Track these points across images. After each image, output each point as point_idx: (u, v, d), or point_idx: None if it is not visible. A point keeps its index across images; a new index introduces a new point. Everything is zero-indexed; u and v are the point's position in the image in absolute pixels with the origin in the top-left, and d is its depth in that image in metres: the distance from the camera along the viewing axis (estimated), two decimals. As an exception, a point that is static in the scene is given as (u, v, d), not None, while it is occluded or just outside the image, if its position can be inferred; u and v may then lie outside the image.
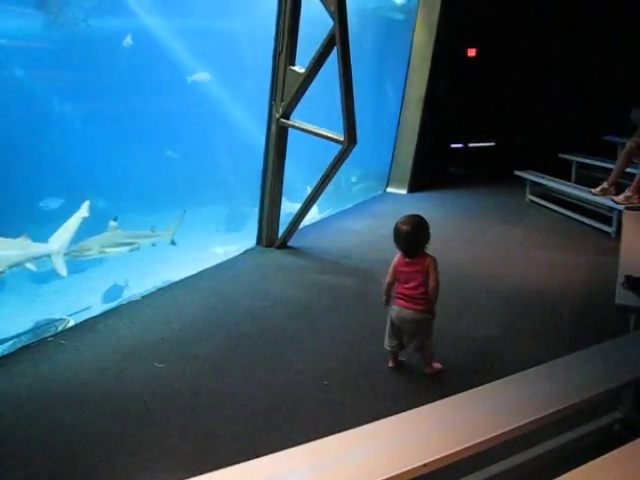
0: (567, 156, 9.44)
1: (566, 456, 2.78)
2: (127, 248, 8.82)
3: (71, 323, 4.95)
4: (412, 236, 3.68)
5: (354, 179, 11.31)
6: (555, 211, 8.20)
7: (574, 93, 10.76)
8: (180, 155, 13.84)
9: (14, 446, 3.05)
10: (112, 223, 8.62)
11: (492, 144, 11.88)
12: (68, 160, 12.62)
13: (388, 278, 3.81)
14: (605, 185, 7.34)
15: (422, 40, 9.14)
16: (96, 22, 12.61)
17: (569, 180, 8.97)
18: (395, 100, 9.69)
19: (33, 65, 12.11)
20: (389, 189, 9.74)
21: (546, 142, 10.31)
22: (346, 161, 5.88)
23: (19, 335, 6.70)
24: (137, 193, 13.21)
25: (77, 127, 12.98)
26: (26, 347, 4.15)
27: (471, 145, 11.81)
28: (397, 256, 3.77)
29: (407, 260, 3.72)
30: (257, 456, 2.22)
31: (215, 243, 9.73)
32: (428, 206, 8.74)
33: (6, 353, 4.07)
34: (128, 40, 12.62)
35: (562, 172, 8.93)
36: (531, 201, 8.83)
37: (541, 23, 10.33)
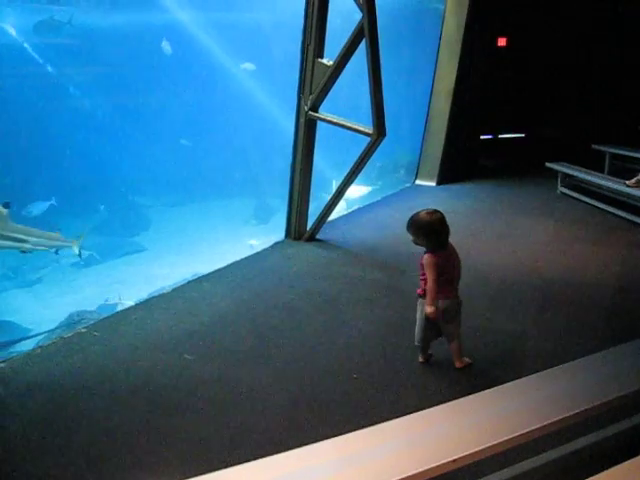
0: (600, 147, 9.23)
1: (599, 455, 2.74)
2: (13, 244, 7.60)
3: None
4: (447, 225, 3.60)
5: (402, 171, 11.35)
6: (587, 203, 8.04)
7: (608, 83, 10.51)
8: (208, 148, 13.95)
9: (51, 433, 3.14)
10: (0, 209, 7.37)
11: (522, 135, 11.69)
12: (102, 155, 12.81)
13: (434, 277, 3.51)
14: (640, 176, 7.16)
15: (451, 29, 9.01)
16: (126, 16, 12.80)
17: (602, 172, 8.79)
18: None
19: (64, 62, 12.36)
20: (418, 181, 9.67)
21: (578, 133, 10.10)
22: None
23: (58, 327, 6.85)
24: (167, 185, 13.39)
25: (107, 122, 13.16)
26: (61, 338, 4.25)
27: (501, 136, 11.64)
28: (429, 255, 3.55)
29: (443, 253, 3.57)
30: (286, 449, 2.24)
31: (244, 235, 9.82)
32: (458, 198, 8.66)
33: (42, 344, 4.17)
34: (167, 47, 12.63)
35: (595, 163, 8.75)
36: (562, 193, 8.67)
37: (574, 12, 10.09)
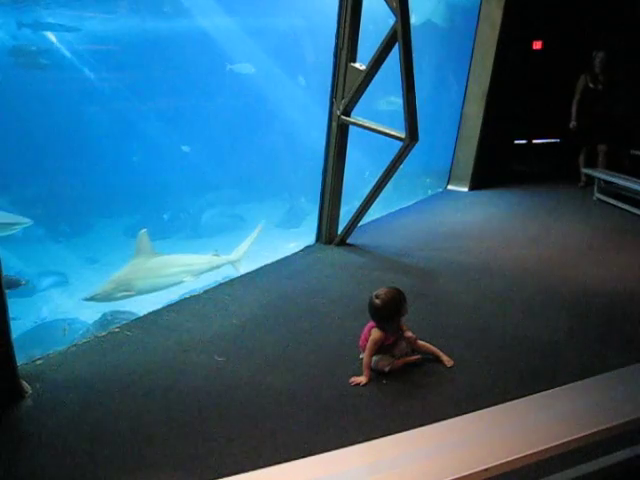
0: (640, 152, 9.01)
1: (633, 472, 2.66)
2: None
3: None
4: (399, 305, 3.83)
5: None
6: (625, 210, 7.84)
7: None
8: (240, 151, 14.08)
9: (82, 430, 3.20)
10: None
11: (557, 140, 11.47)
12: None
13: (371, 353, 3.81)
14: (683, 183, 6.91)
15: (486, 32, 8.90)
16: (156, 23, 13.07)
17: (642, 178, 8.57)
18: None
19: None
20: (450, 187, 9.57)
21: (617, 138, 9.85)
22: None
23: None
24: (199, 188, 13.56)
25: (141, 126, 13.40)
26: (95, 337, 4.34)
27: (535, 141, 11.44)
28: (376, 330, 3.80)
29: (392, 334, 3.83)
30: (314, 453, 2.25)
31: (275, 239, 9.86)
32: (490, 204, 8.54)
33: (77, 342, 4.25)
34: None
35: (635, 170, 8.54)
36: (599, 200, 8.48)
37: (611, 14, 9.87)
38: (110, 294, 7.29)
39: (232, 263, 7.50)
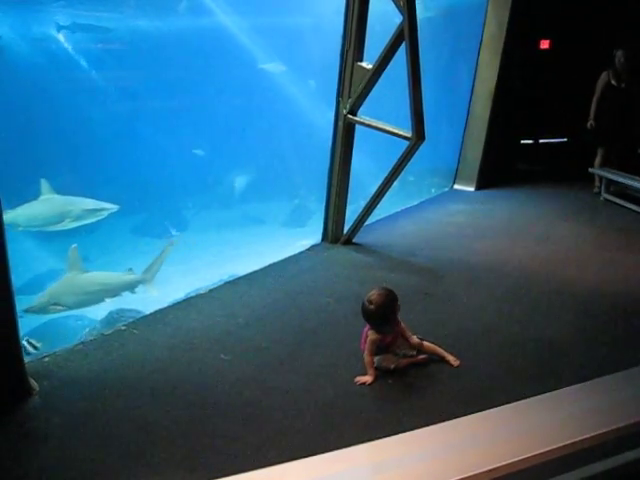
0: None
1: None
2: None
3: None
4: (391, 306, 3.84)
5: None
6: (634, 211, 7.81)
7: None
8: (245, 150, 14.06)
9: (89, 427, 3.21)
10: None
11: (564, 140, 11.41)
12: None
13: (370, 352, 3.85)
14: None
15: (493, 32, 8.88)
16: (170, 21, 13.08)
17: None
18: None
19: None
20: (456, 186, 9.54)
21: (633, 138, 9.77)
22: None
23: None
24: (205, 187, 13.56)
25: (148, 124, 13.39)
26: (102, 335, 4.35)
27: (542, 141, 11.39)
28: (372, 332, 3.82)
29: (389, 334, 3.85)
30: (319, 452, 2.24)
31: (281, 238, 9.84)
32: (496, 203, 8.52)
33: (83, 340, 4.27)
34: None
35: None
36: (606, 200, 8.44)
37: (619, 12, 9.80)
38: (44, 307, 7.11)
39: (143, 283, 7.32)
